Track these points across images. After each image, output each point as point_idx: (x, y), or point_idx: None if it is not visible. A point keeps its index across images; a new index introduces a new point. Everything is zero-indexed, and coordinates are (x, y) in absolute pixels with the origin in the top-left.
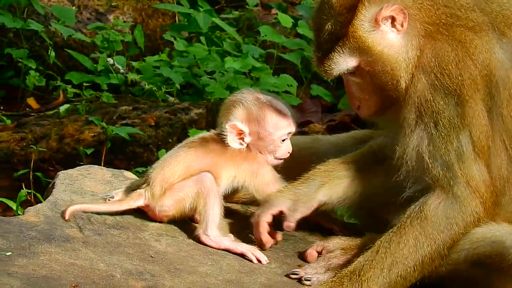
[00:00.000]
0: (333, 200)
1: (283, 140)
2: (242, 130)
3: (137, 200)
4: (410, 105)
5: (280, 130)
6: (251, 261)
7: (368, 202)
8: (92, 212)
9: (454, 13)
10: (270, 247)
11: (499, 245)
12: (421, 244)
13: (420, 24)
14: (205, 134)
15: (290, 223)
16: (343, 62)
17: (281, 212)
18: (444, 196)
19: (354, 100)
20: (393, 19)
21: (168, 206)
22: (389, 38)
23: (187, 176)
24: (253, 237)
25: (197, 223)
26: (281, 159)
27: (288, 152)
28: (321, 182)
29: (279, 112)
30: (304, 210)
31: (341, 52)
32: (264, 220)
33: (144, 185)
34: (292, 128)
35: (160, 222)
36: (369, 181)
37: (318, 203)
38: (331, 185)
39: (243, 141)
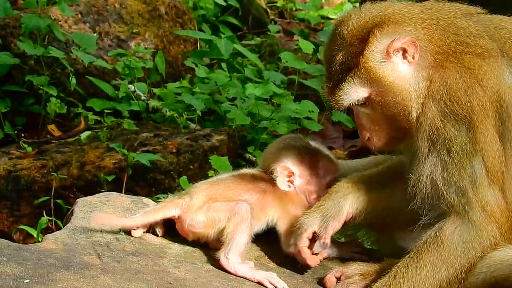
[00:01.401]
0: (360, 211)
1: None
2: (292, 172)
3: (172, 209)
4: (421, 134)
5: (329, 175)
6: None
7: (391, 216)
8: (126, 228)
9: (463, 40)
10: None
11: None
12: (438, 268)
13: (431, 56)
14: (254, 171)
15: (324, 240)
16: (354, 93)
17: (314, 233)
18: (460, 221)
19: (364, 131)
20: (404, 51)
21: (199, 222)
22: (400, 69)
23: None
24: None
25: (215, 248)
26: None
27: None
28: (345, 193)
29: (328, 157)
30: (335, 225)
31: (352, 82)
32: (302, 246)
33: (185, 196)
34: (338, 173)
35: (182, 242)
36: (391, 195)
37: (346, 215)
38: (355, 196)
39: (292, 183)
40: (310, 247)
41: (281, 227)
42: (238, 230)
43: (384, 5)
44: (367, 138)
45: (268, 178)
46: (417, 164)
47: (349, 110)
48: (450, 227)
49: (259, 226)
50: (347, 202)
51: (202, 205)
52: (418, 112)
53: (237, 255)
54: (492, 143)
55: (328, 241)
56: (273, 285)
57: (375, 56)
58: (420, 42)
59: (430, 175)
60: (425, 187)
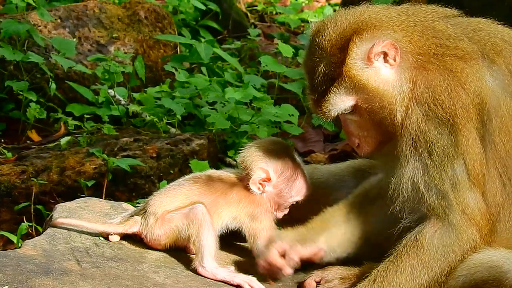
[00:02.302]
0: (333, 247)
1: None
2: (269, 179)
3: (133, 226)
4: (405, 137)
5: (299, 196)
6: None
7: (369, 240)
8: (87, 231)
9: (443, 43)
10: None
11: (496, 270)
12: (418, 272)
13: (412, 56)
14: (212, 172)
15: (292, 256)
16: (341, 103)
17: (283, 249)
18: (440, 224)
19: (353, 138)
20: (385, 55)
21: (159, 235)
22: (383, 73)
23: None
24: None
25: (192, 253)
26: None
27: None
28: (320, 230)
29: (305, 179)
30: (302, 251)
31: (338, 92)
32: (273, 255)
33: (142, 212)
34: (306, 196)
35: (158, 250)
36: (365, 222)
37: (318, 249)
38: (329, 233)
39: (262, 187)
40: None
41: (247, 234)
42: (202, 235)
43: (359, 11)
44: (356, 144)
45: (232, 181)
46: (399, 167)
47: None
48: (430, 230)
49: (218, 228)
50: (322, 238)
51: (157, 219)
52: (403, 115)
53: (212, 260)
54: (474, 146)
55: (295, 259)
56: None
57: (357, 63)
58: (400, 43)
59: (411, 177)
60: (406, 190)
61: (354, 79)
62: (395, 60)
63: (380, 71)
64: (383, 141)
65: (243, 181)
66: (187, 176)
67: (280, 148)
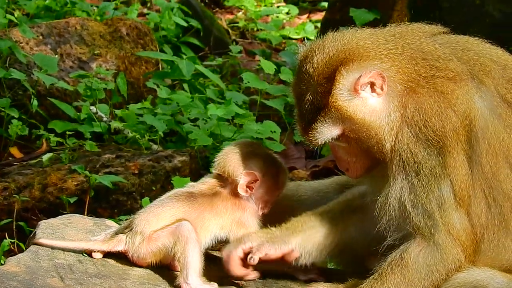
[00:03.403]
0: (309, 250)
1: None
2: (256, 180)
3: (117, 245)
4: (395, 159)
5: (283, 187)
6: None
7: (348, 249)
8: (73, 250)
9: (433, 64)
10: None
11: None
12: None
13: (400, 85)
14: (192, 187)
15: (252, 255)
16: (327, 132)
17: (251, 248)
18: (425, 244)
19: (342, 163)
20: (372, 84)
21: (146, 254)
22: (370, 103)
23: None
24: (234, 280)
25: (176, 270)
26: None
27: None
28: (295, 231)
29: (285, 170)
30: (271, 250)
31: (324, 122)
32: (235, 254)
33: (127, 230)
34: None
35: (142, 267)
36: (344, 229)
37: (288, 250)
38: (305, 235)
39: (250, 189)
40: (243, 259)
41: (231, 236)
42: (187, 252)
43: (347, 37)
44: (346, 169)
45: (213, 192)
46: (387, 186)
47: None
48: (415, 249)
49: (207, 242)
50: (294, 240)
51: (144, 239)
52: (393, 142)
53: (196, 277)
54: (461, 167)
55: (255, 258)
56: None
57: (344, 94)
58: (387, 73)
59: (398, 196)
60: (393, 209)
61: (340, 110)
62: (382, 89)
63: (367, 101)
64: (372, 165)
65: (226, 188)
66: (168, 194)
67: (256, 148)
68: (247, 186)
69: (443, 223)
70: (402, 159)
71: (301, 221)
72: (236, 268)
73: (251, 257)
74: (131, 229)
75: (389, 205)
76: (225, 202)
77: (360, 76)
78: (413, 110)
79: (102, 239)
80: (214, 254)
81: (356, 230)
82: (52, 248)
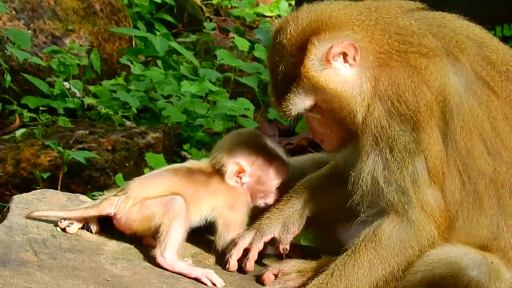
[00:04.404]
0: (315, 215)
1: (277, 188)
2: (243, 169)
3: (108, 207)
4: (367, 133)
5: (280, 178)
6: (206, 284)
7: (322, 223)
8: (63, 218)
9: (406, 40)
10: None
11: (454, 266)
12: (376, 267)
13: (372, 56)
14: (191, 164)
15: (284, 245)
16: (300, 102)
17: (273, 238)
18: (399, 220)
19: (317, 135)
20: (344, 55)
21: (134, 219)
22: (342, 74)
23: None
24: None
25: (151, 246)
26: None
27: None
28: (305, 199)
29: (282, 160)
30: (295, 231)
31: (297, 92)
32: (257, 249)
33: (120, 193)
34: (287, 176)
35: (117, 241)
36: (319, 203)
37: (306, 220)
38: (313, 201)
39: (240, 179)
40: (263, 251)
41: (221, 223)
42: (172, 226)
43: (321, 8)
44: (321, 140)
45: (211, 172)
46: (360, 161)
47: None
48: (388, 225)
49: (196, 220)
50: (307, 208)
51: (135, 203)
52: (364, 114)
53: (173, 252)
54: (435, 143)
55: (287, 246)
56: (211, 281)
57: (315, 64)
58: (360, 43)
59: (371, 172)
60: (366, 184)
61: (312, 80)
62: (354, 60)
63: (339, 71)
64: (346, 138)
65: (220, 175)
66: (167, 167)
67: (249, 138)
68: (235, 176)
69: (417, 200)
70: (374, 134)
71: (307, 187)
72: (251, 265)
73: (283, 247)
74: (125, 193)
75: (362, 180)
76: (220, 184)
77: (332, 46)
78: (386, 84)
79: (88, 205)
80: (211, 238)
81: (331, 204)
82: (26, 220)
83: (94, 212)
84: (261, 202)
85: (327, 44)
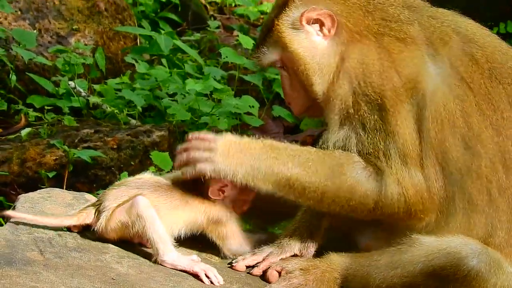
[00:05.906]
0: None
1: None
2: (226, 184)
3: (87, 217)
4: (333, 108)
5: None
6: (202, 282)
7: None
8: (41, 225)
9: (388, 25)
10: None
11: (453, 256)
12: (326, 175)
13: (346, 33)
14: (171, 176)
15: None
16: (268, 54)
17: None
18: (374, 174)
19: (286, 95)
20: (321, 24)
21: (111, 230)
22: (312, 40)
23: None
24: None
25: (147, 247)
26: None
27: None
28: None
29: None
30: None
31: (268, 44)
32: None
33: (97, 203)
34: None
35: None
36: None
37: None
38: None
39: (223, 193)
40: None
41: (214, 237)
42: (147, 228)
43: None
44: (288, 102)
45: (190, 185)
46: (330, 132)
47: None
48: (364, 171)
49: (181, 232)
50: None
51: (109, 213)
52: (326, 88)
53: (170, 250)
54: (404, 127)
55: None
56: (209, 278)
57: (289, 21)
58: (338, 17)
59: (344, 144)
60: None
61: (280, 35)
62: (329, 32)
63: (310, 37)
64: (314, 107)
65: (201, 190)
66: (146, 178)
67: None
68: (218, 190)
69: (391, 173)
70: (343, 109)
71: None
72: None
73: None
74: (100, 203)
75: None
76: (201, 198)
77: (309, 9)
78: (354, 63)
79: (71, 214)
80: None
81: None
82: (25, 223)
83: (73, 222)
84: (239, 210)
85: (306, 6)
